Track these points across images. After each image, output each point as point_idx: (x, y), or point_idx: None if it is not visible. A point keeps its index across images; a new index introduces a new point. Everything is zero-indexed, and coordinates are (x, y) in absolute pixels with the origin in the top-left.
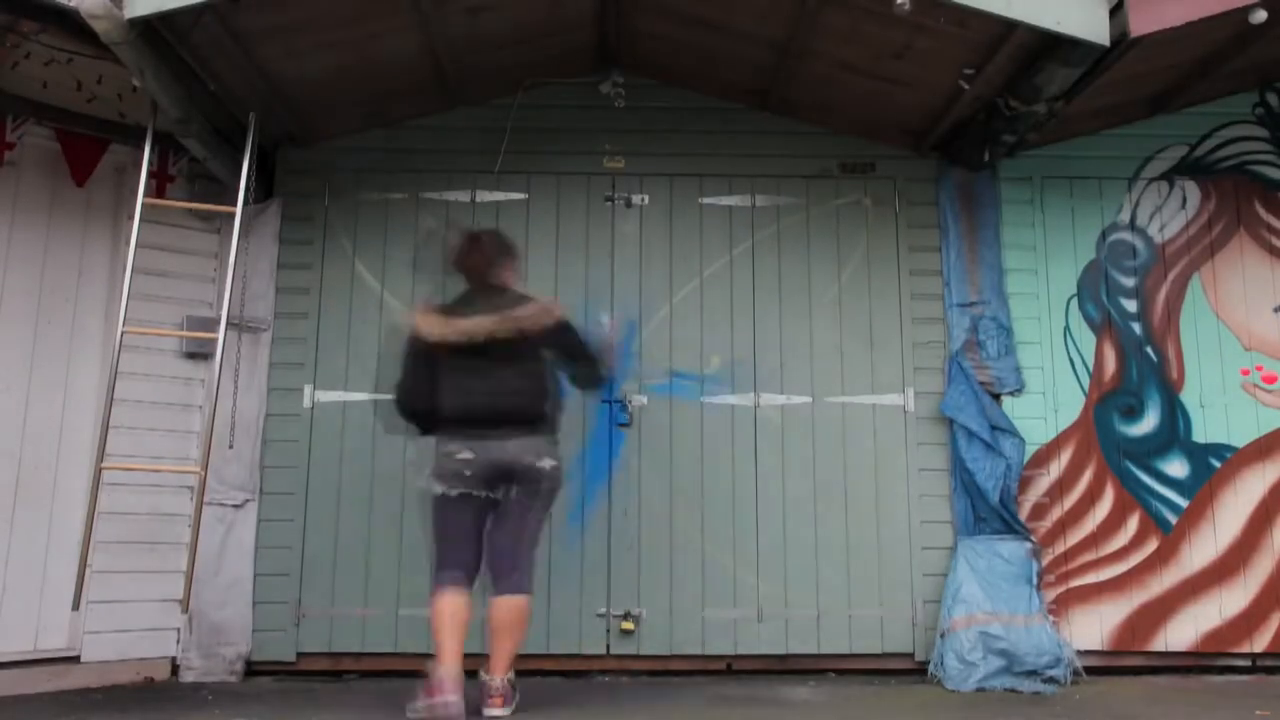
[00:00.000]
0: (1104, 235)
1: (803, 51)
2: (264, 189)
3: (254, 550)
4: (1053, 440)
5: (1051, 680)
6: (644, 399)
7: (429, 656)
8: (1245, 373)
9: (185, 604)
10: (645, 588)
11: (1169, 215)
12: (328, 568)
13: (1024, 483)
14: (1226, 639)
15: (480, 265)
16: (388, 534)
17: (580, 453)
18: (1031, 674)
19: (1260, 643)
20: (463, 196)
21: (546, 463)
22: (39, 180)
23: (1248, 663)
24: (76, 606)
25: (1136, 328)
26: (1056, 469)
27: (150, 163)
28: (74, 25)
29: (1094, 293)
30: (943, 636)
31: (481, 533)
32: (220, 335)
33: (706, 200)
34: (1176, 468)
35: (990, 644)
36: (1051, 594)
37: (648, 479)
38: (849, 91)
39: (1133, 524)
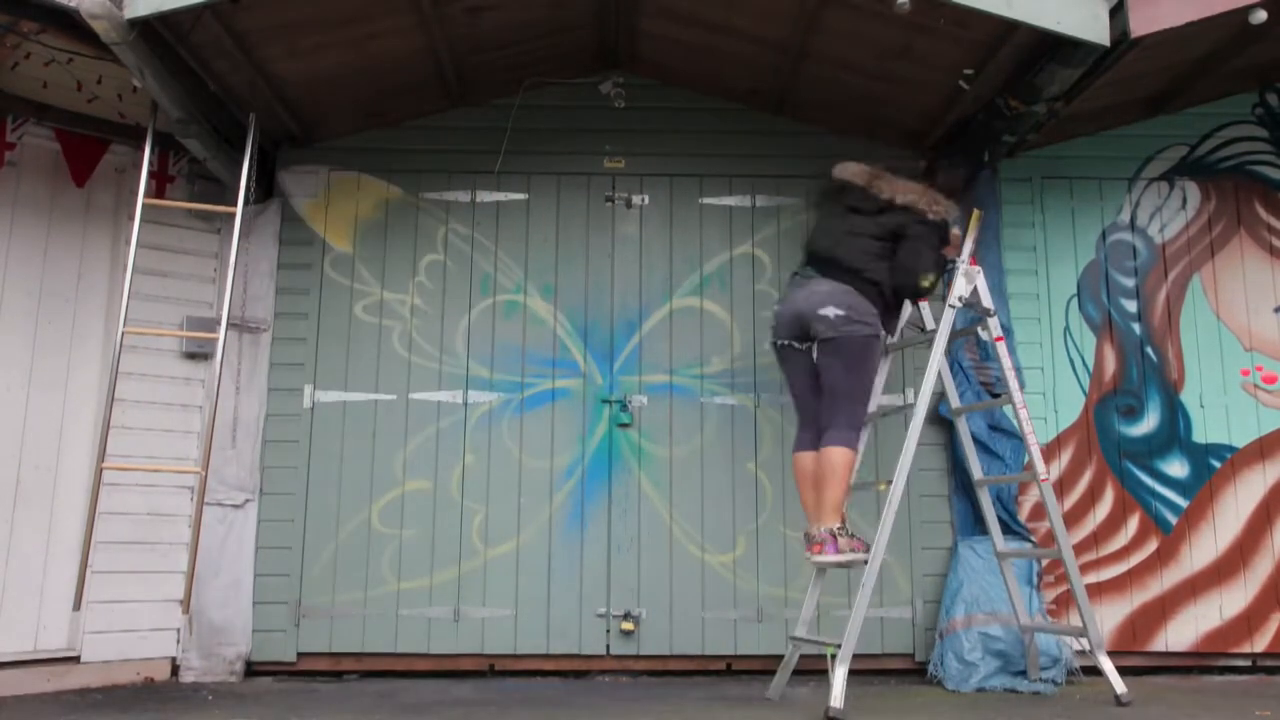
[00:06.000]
0: (1104, 236)
1: (803, 52)
2: (264, 189)
3: (254, 550)
4: (1053, 440)
5: (1049, 681)
6: (644, 399)
7: (429, 655)
8: (1245, 373)
9: (185, 604)
10: (645, 588)
11: (1169, 215)
12: (328, 568)
13: (1024, 483)
14: (1226, 639)
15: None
16: (388, 534)
17: (580, 453)
18: (1025, 674)
19: (1260, 643)
20: (463, 196)
21: (830, 311)
22: (39, 180)
23: (1248, 663)
24: (77, 607)
25: (1136, 328)
26: (1056, 469)
27: (150, 163)
28: (74, 25)
29: (1094, 293)
30: (942, 637)
31: (811, 386)
32: (220, 335)
33: (706, 200)
34: (1176, 468)
35: (989, 644)
36: (1051, 594)
37: (648, 479)
38: (849, 91)
39: (1133, 524)
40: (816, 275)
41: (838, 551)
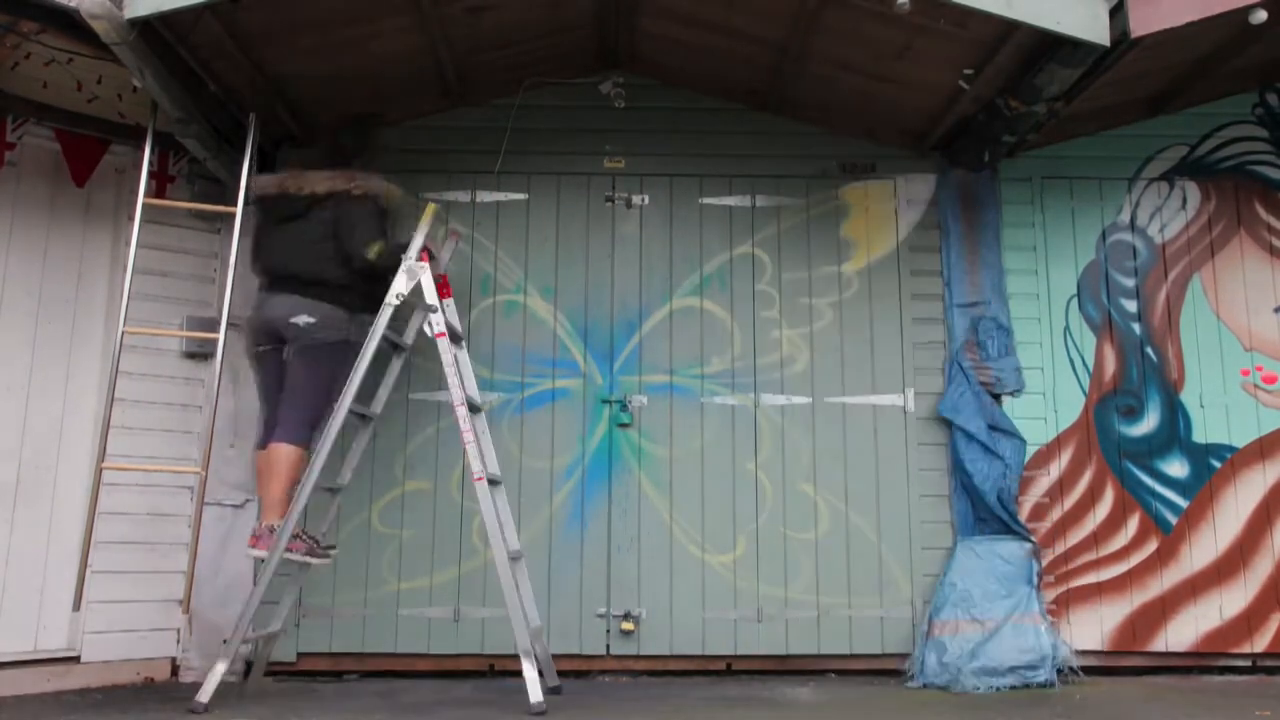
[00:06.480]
0: (1104, 236)
1: (803, 52)
2: None
3: None
4: (1053, 440)
5: (1041, 682)
6: (644, 399)
7: (429, 656)
8: (1245, 373)
9: (186, 604)
10: (645, 588)
11: (1169, 215)
12: (328, 568)
13: (1024, 483)
14: (1226, 639)
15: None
16: (388, 534)
17: (580, 453)
18: (1012, 670)
19: (1260, 643)
20: (463, 196)
21: (302, 319)
22: (39, 180)
23: (1248, 663)
24: (77, 607)
25: (1136, 328)
26: (1057, 469)
27: (150, 163)
28: (74, 25)
29: (1094, 293)
30: (929, 636)
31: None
32: (220, 335)
33: (706, 200)
34: (1176, 468)
35: (974, 644)
36: (1051, 594)
37: (648, 479)
38: (849, 92)
39: (1133, 524)
40: (280, 292)
41: (266, 550)
